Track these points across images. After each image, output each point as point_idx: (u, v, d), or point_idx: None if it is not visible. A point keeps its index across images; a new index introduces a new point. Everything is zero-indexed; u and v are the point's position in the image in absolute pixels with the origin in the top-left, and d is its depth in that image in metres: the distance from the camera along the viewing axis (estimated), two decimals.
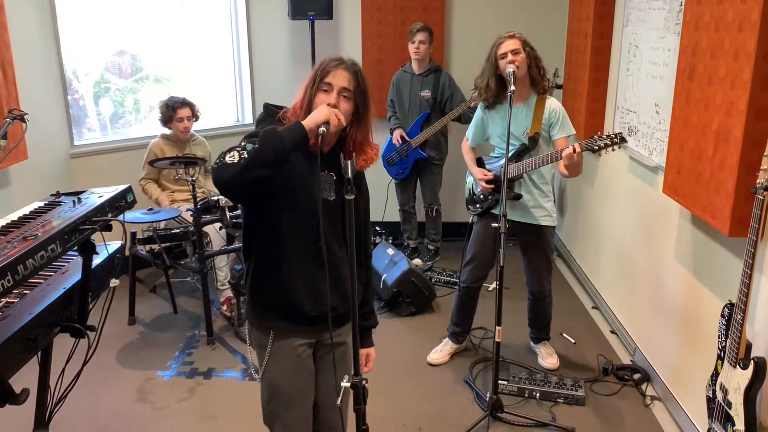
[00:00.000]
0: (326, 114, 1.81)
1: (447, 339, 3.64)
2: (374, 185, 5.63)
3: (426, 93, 4.70)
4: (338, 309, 2.02)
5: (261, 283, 2.00)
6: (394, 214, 5.22)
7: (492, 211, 3.32)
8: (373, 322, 2.21)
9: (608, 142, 2.80)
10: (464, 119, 4.51)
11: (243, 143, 1.79)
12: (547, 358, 3.54)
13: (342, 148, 1.97)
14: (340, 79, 1.87)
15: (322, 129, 1.79)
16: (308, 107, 1.88)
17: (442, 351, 3.60)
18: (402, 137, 4.74)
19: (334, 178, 1.96)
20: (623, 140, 2.80)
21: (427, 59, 4.72)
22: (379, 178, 5.20)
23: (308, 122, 1.80)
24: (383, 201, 5.15)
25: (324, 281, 1.88)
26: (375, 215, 5.16)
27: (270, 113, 1.99)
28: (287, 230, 1.93)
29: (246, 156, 1.73)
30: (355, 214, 1.92)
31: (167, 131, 4.36)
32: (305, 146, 1.81)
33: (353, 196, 1.72)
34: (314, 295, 1.96)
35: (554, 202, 3.41)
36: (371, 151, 1.99)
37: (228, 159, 1.74)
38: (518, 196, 3.22)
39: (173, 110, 4.24)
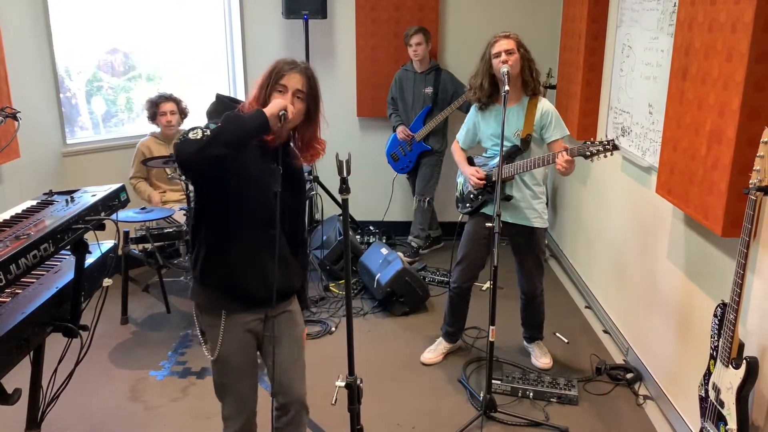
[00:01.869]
0: (283, 103, 1.95)
1: (441, 339, 3.64)
2: (379, 184, 5.60)
3: (429, 90, 4.80)
4: (284, 290, 2.15)
5: (211, 268, 2.08)
6: (395, 214, 5.23)
7: (482, 210, 3.32)
8: (305, 304, 2.35)
9: (600, 149, 2.82)
10: (464, 108, 4.57)
11: (206, 124, 1.88)
12: (541, 357, 3.54)
13: (288, 145, 2.11)
14: (294, 81, 2.01)
15: (282, 112, 1.91)
16: (263, 105, 1.98)
17: (435, 350, 3.60)
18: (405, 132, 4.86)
19: (281, 171, 2.05)
20: (615, 147, 2.81)
21: (428, 58, 4.80)
22: (384, 178, 5.20)
23: (268, 110, 1.92)
24: (386, 200, 5.18)
25: (271, 266, 2.04)
26: (377, 215, 5.22)
27: (223, 105, 2.05)
28: (238, 218, 2.02)
29: (209, 134, 1.83)
30: (292, 205, 2.12)
31: (156, 129, 4.36)
32: (265, 133, 1.93)
33: (348, 195, 1.73)
34: (261, 278, 2.06)
35: (546, 203, 3.41)
36: (319, 146, 2.14)
37: (191, 135, 1.84)
38: (509, 197, 3.21)
39: (156, 105, 4.26)
